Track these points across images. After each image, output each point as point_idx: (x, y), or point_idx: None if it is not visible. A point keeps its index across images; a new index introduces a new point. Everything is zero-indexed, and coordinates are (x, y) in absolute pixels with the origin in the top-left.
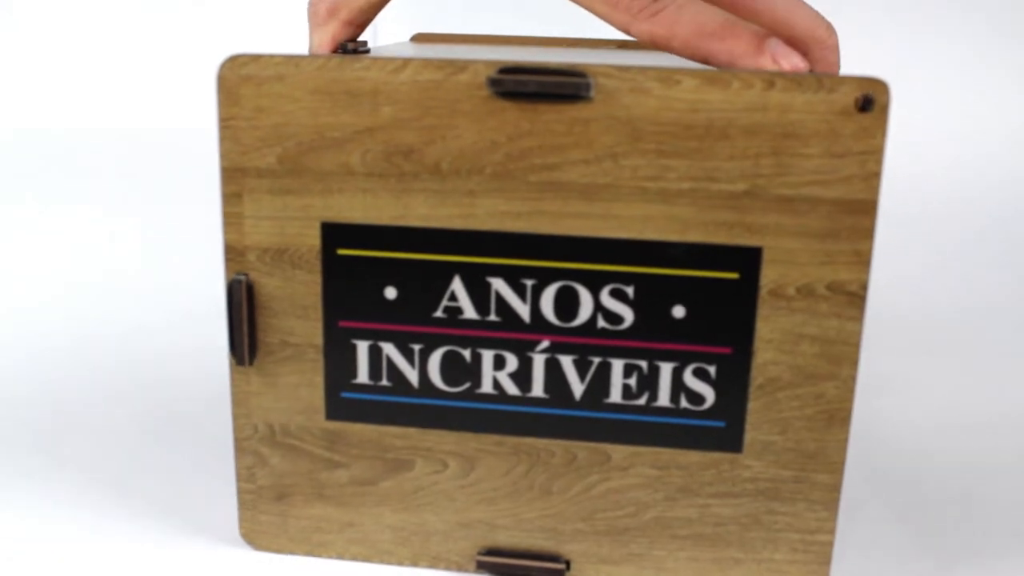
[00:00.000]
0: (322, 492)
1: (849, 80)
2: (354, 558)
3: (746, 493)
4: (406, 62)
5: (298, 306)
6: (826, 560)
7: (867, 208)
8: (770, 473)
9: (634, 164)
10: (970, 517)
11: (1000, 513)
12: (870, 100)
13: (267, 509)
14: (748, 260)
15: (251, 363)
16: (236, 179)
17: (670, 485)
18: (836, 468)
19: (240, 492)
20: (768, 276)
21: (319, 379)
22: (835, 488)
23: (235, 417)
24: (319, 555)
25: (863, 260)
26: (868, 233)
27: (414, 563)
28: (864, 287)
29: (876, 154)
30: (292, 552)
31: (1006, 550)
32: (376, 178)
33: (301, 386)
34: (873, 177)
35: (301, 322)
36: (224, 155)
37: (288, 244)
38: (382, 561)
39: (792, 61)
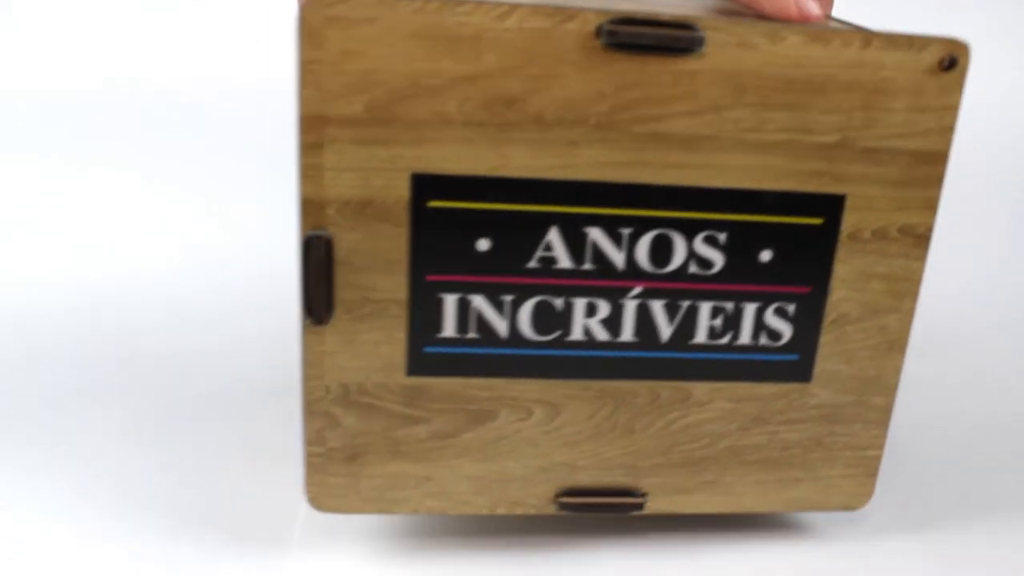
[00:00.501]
0: (398, 449)
1: (936, 41)
2: (429, 511)
3: (811, 418)
4: (512, 8)
5: (382, 261)
6: (874, 472)
7: (940, 159)
8: (834, 399)
9: (736, 116)
10: (970, 517)
11: (1001, 513)
12: (954, 60)
13: (337, 471)
14: (832, 207)
15: (328, 322)
16: (317, 128)
17: (744, 416)
18: (891, 391)
19: (308, 456)
20: (848, 221)
21: (401, 335)
22: (888, 409)
23: (307, 379)
24: (392, 512)
25: (932, 205)
26: (939, 181)
27: (492, 511)
28: (930, 230)
29: (953, 110)
30: (363, 512)
31: (1006, 550)
32: (474, 127)
33: (381, 343)
34: (948, 131)
35: (384, 277)
36: (304, 102)
37: (373, 196)
38: (459, 512)
39: (812, 6)
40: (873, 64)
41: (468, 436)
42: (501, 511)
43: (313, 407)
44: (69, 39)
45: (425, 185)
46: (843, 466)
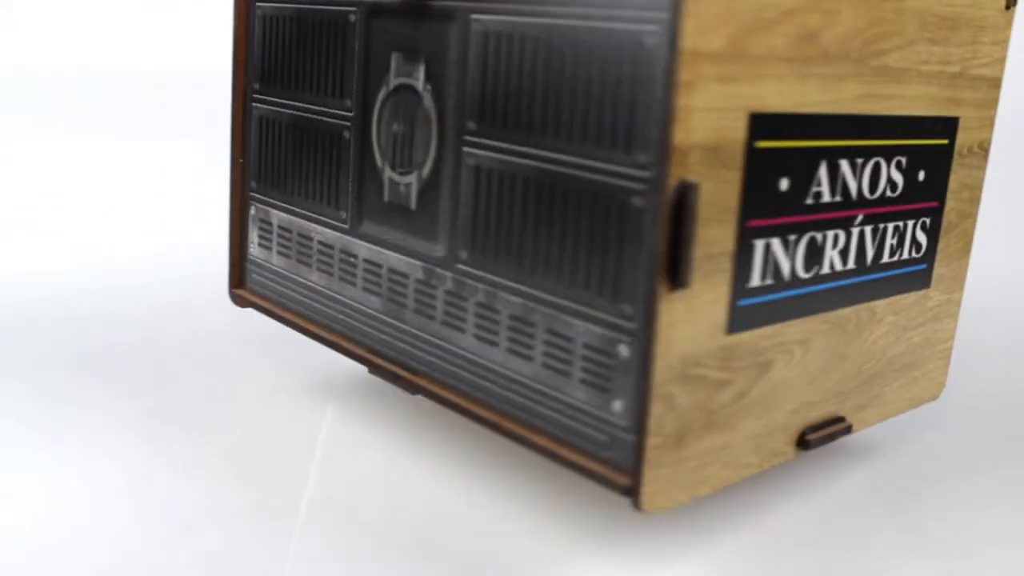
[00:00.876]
0: (711, 420)
1: None
2: (723, 484)
3: (927, 320)
4: None
5: (721, 209)
6: (948, 361)
7: (999, 83)
8: (940, 300)
9: (918, 50)
10: (970, 517)
11: (1000, 513)
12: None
13: (668, 460)
14: (952, 128)
15: (689, 284)
16: (692, 65)
17: (898, 327)
18: (963, 286)
19: (649, 450)
20: (960, 140)
21: (726, 290)
22: (960, 302)
23: (657, 358)
24: (699, 496)
25: (992, 123)
26: (997, 102)
27: (761, 467)
28: (989, 143)
29: (1008, 41)
30: (678, 503)
31: (1006, 550)
32: (790, 63)
33: (712, 303)
34: (1004, 59)
35: (721, 228)
36: (685, 35)
37: (721, 140)
38: (740, 477)
39: None
40: (979, 3)
41: (755, 391)
42: (767, 465)
43: (659, 390)
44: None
45: (758, 125)
46: (935, 359)
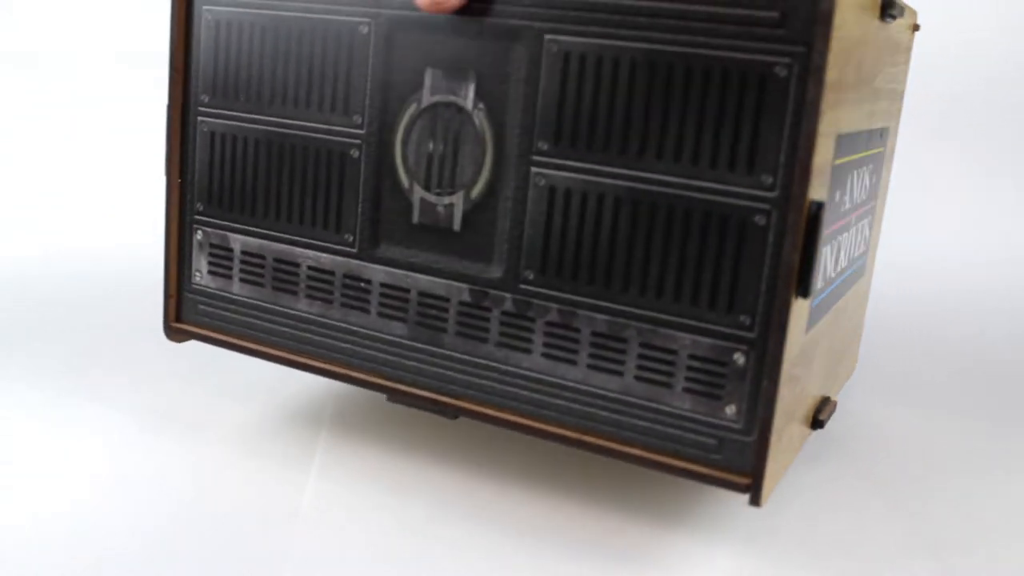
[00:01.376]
0: (792, 414)
1: (910, 9)
2: (783, 471)
3: (860, 304)
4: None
5: None
6: (860, 339)
7: (902, 96)
8: (866, 285)
9: (889, 72)
10: (971, 518)
11: (1000, 513)
12: (919, 26)
13: (774, 455)
14: (886, 136)
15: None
16: (831, 95)
17: (850, 311)
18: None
19: (771, 448)
20: (888, 145)
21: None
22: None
23: (783, 363)
24: (775, 484)
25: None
26: (900, 112)
27: (797, 451)
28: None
29: (908, 63)
30: (769, 492)
31: (1006, 550)
32: (854, 90)
33: (804, 307)
34: (905, 76)
35: None
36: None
37: (823, 162)
38: (791, 461)
39: None
40: (901, 28)
41: (806, 383)
42: (799, 446)
43: (780, 392)
44: None
45: (839, 145)
46: (856, 340)
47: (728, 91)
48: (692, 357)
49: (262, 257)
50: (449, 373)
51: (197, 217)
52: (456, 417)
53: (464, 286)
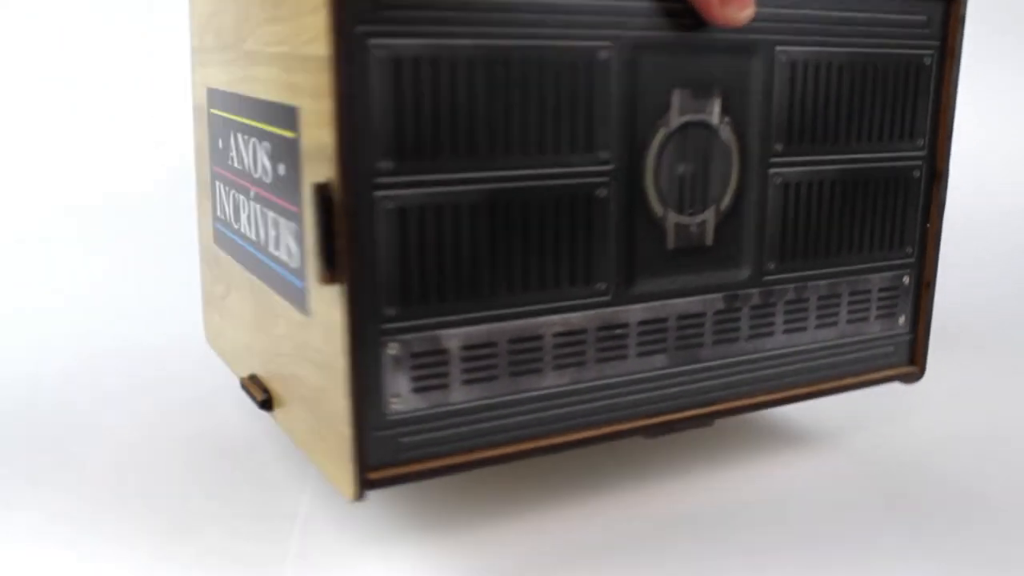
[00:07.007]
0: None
1: None
2: None
3: None
4: None
5: None
6: None
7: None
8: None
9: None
10: (970, 518)
11: (1001, 514)
12: None
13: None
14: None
15: None
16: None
17: None
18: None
19: (928, 340)
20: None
21: None
22: None
23: (930, 275)
24: None
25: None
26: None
27: None
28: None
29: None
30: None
31: (1007, 552)
32: None
33: None
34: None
35: None
36: None
37: None
38: None
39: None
40: None
41: None
42: None
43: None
44: None
45: None
46: None
47: (898, 79)
48: (880, 290)
49: (493, 345)
50: (707, 384)
51: (386, 327)
52: (712, 424)
53: (718, 295)
